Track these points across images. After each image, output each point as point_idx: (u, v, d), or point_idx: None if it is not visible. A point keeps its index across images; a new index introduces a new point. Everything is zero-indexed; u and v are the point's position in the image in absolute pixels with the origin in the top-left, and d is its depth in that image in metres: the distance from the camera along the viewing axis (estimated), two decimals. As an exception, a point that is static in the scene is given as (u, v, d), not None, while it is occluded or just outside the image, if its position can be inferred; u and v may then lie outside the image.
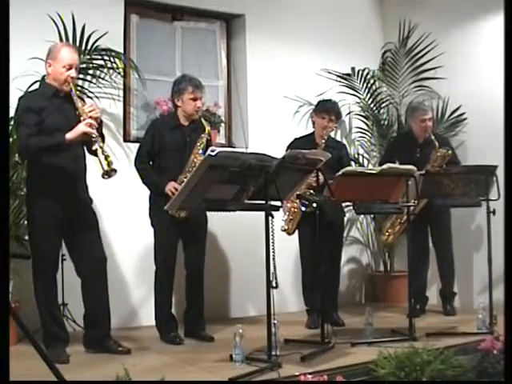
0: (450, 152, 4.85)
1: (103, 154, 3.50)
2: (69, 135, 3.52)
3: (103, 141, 3.67)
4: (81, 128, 3.53)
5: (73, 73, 3.65)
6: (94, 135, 3.53)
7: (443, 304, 5.05)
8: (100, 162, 3.49)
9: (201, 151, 4.07)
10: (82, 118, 3.56)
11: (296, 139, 4.70)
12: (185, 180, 3.54)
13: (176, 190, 3.87)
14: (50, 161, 3.57)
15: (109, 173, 3.48)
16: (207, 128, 4.15)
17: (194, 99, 4.13)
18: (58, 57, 3.64)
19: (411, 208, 4.34)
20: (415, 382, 3.09)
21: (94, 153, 3.55)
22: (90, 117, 3.57)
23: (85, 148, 3.77)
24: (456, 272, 5.09)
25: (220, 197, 3.30)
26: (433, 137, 4.86)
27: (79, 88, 4.41)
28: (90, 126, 3.53)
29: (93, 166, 3.88)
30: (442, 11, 5.72)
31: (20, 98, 3.68)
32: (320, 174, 3.90)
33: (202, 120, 4.17)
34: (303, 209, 4.21)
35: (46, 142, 3.53)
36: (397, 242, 5.25)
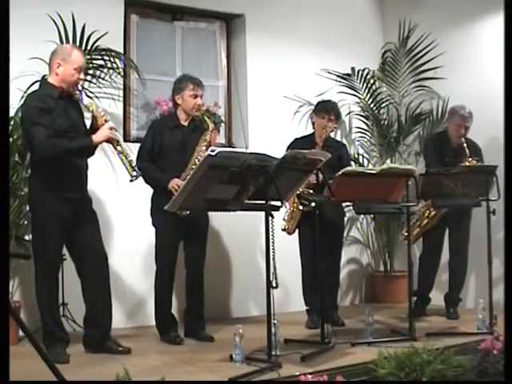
0: (479, 163, 4.67)
1: (127, 159, 3.63)
2: (95, 138, 3.60)
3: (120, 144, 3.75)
4: (106, 132, 3.62)
5: (82, 75, 3.70)
6: (116, 140, 3.64)
7: (446, 307, 4.95)
8: (126, 169, 3.63)
9: (204, 148, 4.07)
10: (98, 122, 3.64)
11: (296, 139, 4.69)
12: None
13: (179, 186, 3.86)
14: (62, 161, 3.57)
15: (136, 177, 3.66)
16: (211, 125, 4.16)
17: (195, 96, 4.13)
18: (70, 59, 3.61)
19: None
20: (415, 382, 3.08)
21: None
22: (105, 120, 3.65)
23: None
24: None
25: (220, 197, 3.30)
26: (465, 145, 4.66)
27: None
28: (111, 129, 3.63)
29: (93, 167, 3.89)
30: (442, 11, 5.72)
31: (27, 97, 3.66)
32: (320, 173, 3.90)
33: (206, 118, 4.19)
34: (300, 207, 4.24)
35: (76, 144, 3.58)
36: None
